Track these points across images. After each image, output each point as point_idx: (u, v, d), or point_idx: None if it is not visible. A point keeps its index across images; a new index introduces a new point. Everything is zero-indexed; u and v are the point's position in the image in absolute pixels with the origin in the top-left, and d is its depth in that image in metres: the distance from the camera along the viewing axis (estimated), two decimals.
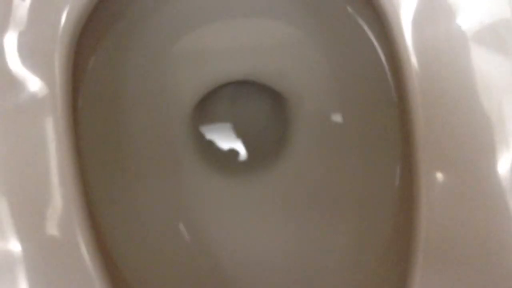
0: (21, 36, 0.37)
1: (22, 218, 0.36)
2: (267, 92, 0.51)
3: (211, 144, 0.52)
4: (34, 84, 0.37)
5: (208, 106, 0.51)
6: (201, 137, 0.51)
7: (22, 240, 0.36)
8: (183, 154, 0.49)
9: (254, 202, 0.49)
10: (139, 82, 0.47)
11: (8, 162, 0.36)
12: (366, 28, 0.45)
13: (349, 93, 0.48)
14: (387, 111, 0.45)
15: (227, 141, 0.52)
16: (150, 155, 0.47)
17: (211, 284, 0.46)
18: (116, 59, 0.45)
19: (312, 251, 0.46)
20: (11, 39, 0.37)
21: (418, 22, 0.37)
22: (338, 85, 0.48)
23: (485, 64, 0.36)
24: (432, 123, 0.36)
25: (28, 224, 0.36)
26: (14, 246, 0.36)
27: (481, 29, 0.37)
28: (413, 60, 0.36)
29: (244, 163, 0.52)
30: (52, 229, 0.36)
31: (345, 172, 0.47)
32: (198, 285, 0.45)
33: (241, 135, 0.52)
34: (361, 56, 0.46)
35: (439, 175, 0.36)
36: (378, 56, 0.44)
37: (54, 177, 0.36)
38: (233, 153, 0.52)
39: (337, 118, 0.49)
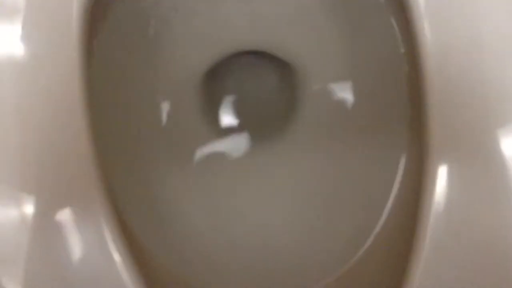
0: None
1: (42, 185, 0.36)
2: (276, 64, 0.50)
3: (218, 116, 0.52)
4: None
5: (217, 77, 0.50)
6: (209, 108, 0.51)
7: (40, 206, 0.36)
8: (191, 125, 0.49)
9: (259, 175, 0.49)
10: (148, 51, 0.47)
11: (25, 136, 0.36)
12: (384, 5, 0.44)
13: (359, 69, 0.47)
14: (397, 91, 0.44)
15: (235, 113, 0.52)
16: (159, 126, 0.48)
17: (223, 251, 0.47)
18: (125, 27, 0.45)
19: (313, 231, 0.47)
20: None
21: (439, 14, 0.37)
22: (349, 60, 0.48)
23: (498, 64, 0.36)
24: (444, 110, 0.36)
25: (47, 192, 0.36)
26: (32, 212, 0.36)
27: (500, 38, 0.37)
28: (430, 45, 0.36)
29: (251, 136, 0.52)
30: (71, 194, 0.36)
31: (349, 155, 0.48)
32: (211, 253, 0.47)
33: (249, 107, 0.52)
34: (376, 31, 0.45)
35: (448, 163, 0.36)
36: (394, 34, 0.44)
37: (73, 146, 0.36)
38: (240, 125, 0.52)
39: (345, 95, 0.48)
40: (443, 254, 0.36)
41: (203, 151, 0.49)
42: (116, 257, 0.35)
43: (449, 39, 0.36)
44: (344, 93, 0.48)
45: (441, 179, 0.35)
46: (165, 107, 0.48)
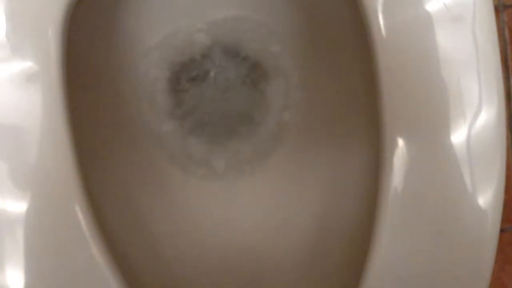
0: None
1: (20, 178, 0.38)
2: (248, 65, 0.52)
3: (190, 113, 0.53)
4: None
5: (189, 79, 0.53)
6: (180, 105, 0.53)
7: (19, 201, 0.38)
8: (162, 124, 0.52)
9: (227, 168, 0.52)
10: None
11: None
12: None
13: (321, 64, 0.51)
14: (356, 79, 0.48)
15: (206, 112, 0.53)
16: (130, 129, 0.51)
17: (196, 248, 0.50)
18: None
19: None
20: None
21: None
22: (310, 55, 0.51)
23: (446, 43, 0.40)
24: (395, 93, 0.39)
25: (26, 185, 0.38)
26: (13, 206, 0.38)
27: (446, 13, 0.40)
28: (382, 32, 0.39)
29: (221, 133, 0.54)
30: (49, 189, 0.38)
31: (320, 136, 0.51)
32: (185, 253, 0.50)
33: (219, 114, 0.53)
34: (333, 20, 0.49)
35: (400, 141, 0.39)
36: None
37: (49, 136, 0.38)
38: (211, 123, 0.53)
39: (309, 89, 0.52)
40: (402, 228, 0.39)
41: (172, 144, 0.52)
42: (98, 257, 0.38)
43: (402, 44, 0.39)
44: (310, 92, 0.52)
45: (397, 159, 0.39)
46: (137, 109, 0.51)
